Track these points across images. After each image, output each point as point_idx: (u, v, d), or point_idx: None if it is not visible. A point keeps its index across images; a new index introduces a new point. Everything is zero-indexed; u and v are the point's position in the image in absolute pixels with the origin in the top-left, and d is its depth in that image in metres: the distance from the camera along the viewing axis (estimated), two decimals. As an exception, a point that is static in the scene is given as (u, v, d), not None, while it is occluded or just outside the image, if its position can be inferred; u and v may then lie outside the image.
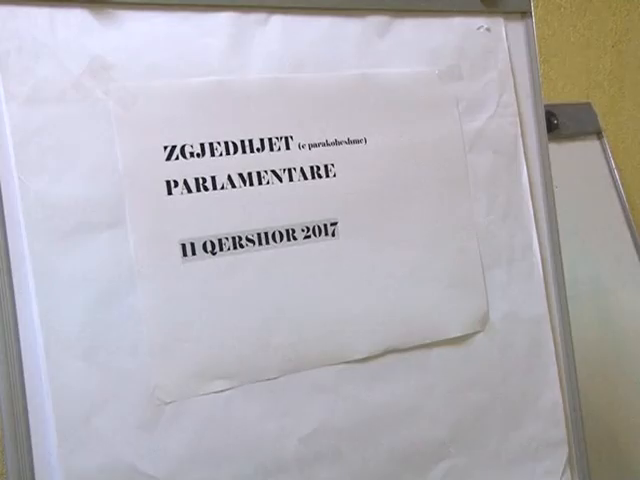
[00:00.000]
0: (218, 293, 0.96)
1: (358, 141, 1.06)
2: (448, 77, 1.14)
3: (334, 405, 1.03)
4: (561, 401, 1.20)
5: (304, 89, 1.03)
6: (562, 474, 1.20)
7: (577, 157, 1.82)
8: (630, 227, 1.85)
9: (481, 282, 1.15)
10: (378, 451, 1.06)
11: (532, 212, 1.20)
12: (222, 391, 0.96)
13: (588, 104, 1.83)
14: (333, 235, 1.04)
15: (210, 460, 0.95)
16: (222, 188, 0.97)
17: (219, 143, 0.97)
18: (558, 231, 1.22)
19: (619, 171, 1.85)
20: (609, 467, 1.66)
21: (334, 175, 1.04)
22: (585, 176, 1.83)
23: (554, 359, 1.20)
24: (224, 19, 1.00)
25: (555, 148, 1.68)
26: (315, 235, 1.03)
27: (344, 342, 1.04)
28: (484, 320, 1.15)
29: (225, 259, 0.97)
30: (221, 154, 0.97)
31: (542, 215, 1.21)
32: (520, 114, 1.20)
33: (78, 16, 0.93)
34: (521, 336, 1.18)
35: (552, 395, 1.20)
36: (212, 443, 0.95)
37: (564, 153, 1.76)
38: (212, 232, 0.96)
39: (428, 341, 1.10)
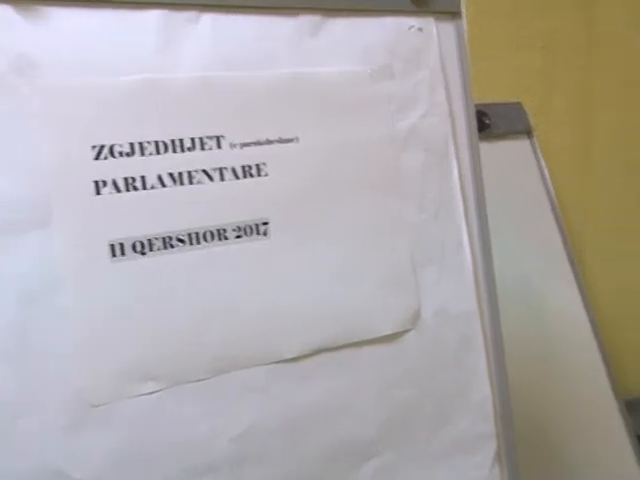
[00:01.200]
0: (148, 293, 0.95)
1: (290, 140, 1.06)
2: (380, 76, 1.14)
3: (264, 405, 1.03)
4: (490, 396, 1.21)
5: (235, 88, 1.03)
6: (490, 468, 1.21)
7: (508, 156, 1.84)
8: (559, 225, 1.88)
9: (412, 280, 1.15)
10: (308, 450, 1.06)
11: (463, 210, 1.21)
12: (152, 393, 0.95)
13: (519, 104, 1.86)
14: (265, 234, 1.04)
15: (139, 462, 0.94)
16: (152, 188, 0.96)
17: (149, 142, 0.96)
18: (489, 229, 1.23)
19: (549, 170, 1.88)
20: (538, 462, 1.69)
21: (266, 174, 1.04)
22: (516, 175, 1.86)
23: (484, 355, 1.21)
24: (154, 17, 0.99)
25: (486, 147, 1.70)
26: (246, 235, 1.02)
27: (275, 341, 1.04)
28: (415, 318, 1.15)
29: (155, 259, 0.96)
30: (151, 153, 0.96)
31: (473, 213, 1.22)
32: (451, 113, 1.21)
33: (1, 12, 0.91)
34: (451, 332, 1.19)
35: (481, 390, 1.21)
36: (141, 445, 0.95)
37: (495, 152, 1.78)
38: (142, 232, 0.95)
39: (359, 340, 1.10)
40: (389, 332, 1.13)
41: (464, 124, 1.22)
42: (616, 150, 2.18)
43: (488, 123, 1.73)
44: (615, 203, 2.19)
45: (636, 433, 1.88)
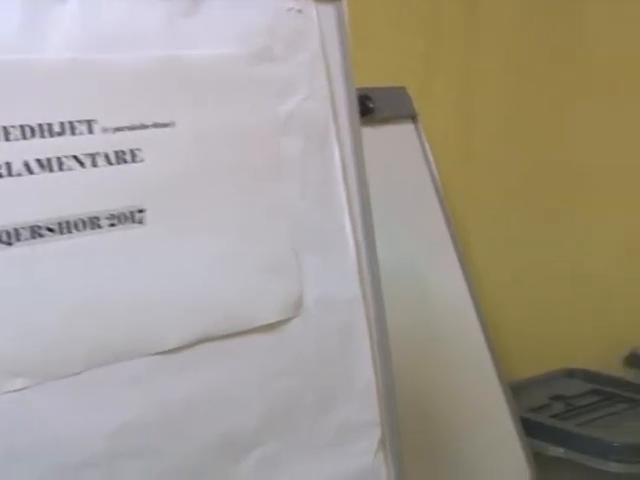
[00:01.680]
0: (13, 285, 0.91)
1: (166, 125, 1.03)
2: (259, 59, 1.12)
3: (144, 398, 1.00)
4: (374, 383, 1.21)
5: (106, 70, 0.99)
6: (375, 455, 1.20)
7: (392, 141, 1.84)
8: (444, 210, 1.89)
9: (294, 267, 1.14)
10: (189, 443, 1.03)
11: (345, 196, 1.19)
12: (20, 390, 0.91)
13: (403, 88, 1.85)
14: (140, 222, 1.00)
15: (7, 462, 0.90)
16: (18, 175, 0.92)
17: (14, 127, 0.92)
18: (371, 214, 1.23)
19: (433, 155, 1.88)
20: (423, 446, 1.70)
21: (141, 160, 1.00)
22: (400, 160, 1.86)
23: (367, 342, 1.20)
24: (18, -5, 0.94)
25: (370, 132, 1.70)
26: (121, 223, 0.99)
27: (153, 332, 1.01)
28: (297, 305, 1.14)
29: (22, 250, 0.91)
30: (17, 138, 0.92)
31: (355, 198, 1.21)
32: (332, 97, 1.19)
33: None
34: (335, 320, 1.17)
35: (365, 377, 1.20)
36: (9, 443, 0.90)
37: (380, 137, 1.77)
38: (7, 221, 0.91)
39: (241, 329, 1.08)
40: (271, 320, 1.11)
41: (345, 108, 1.20)
42: (498, 133, 2.20)
43: (372, 107, 1.72)
44: (498, 187, 2.21)
45: (520, 416, 1.91)
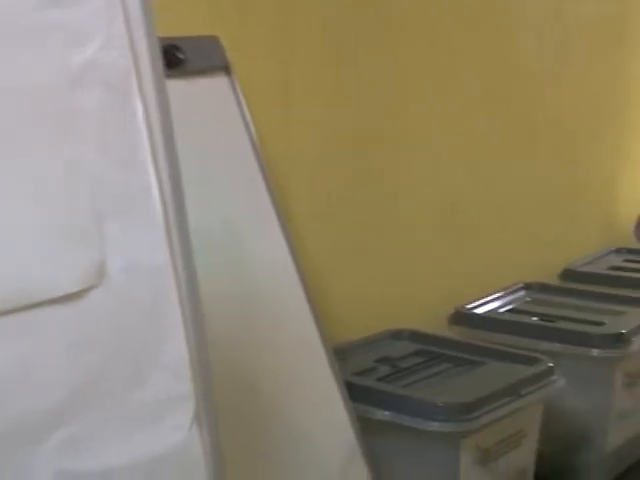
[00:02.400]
0: None
1: None
2: (47, 3, 1.01)
3: None
4: (187, 355, 1.13)
5: None
6: (189, 430, 1.14)
7: (205, 94, 1.75)
8: (262, 168, 1.82)
9: (94, 232, 1.05)
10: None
11: (150, 154, 1.11)
12: None
13: (215, 37, 1.76)
14: None
15: None
16: None
17: None
18: (180, 173, 1.14)
19: (250, 109, 1.80)
20: (241, 419, 1.65)
21: None
22: (214, 114, 1.78)
23: (178, 311, 1.13)
24: None
25: (181, 85, 1.61)
26: None
27: None
28: (100, 273, 1.05)
29: None
30: None
31: (161, 156, 1.12)
32: (133, 46, 1.09)
33: None
34: (142, 288, 1.10)
35: (176, 349, 1.12)
36: None
37: (191, 90, 1.69)
38: None
39: (36, 301, 1.00)
40: (70, 291, 1.03)
41: (148, 58, 1.11)
42: (319, 87, 2.14)
43: (182, 58, 1.63)
44: (320, 141, 2.15)
45: (344, 380, 1.88)
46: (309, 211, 2.12)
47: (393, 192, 2.38)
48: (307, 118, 2.10)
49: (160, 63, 1.12)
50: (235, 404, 1.60)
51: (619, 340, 2.30)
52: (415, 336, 2.27)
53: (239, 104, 1.80)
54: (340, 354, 1.98)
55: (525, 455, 2.06)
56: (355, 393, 1.88)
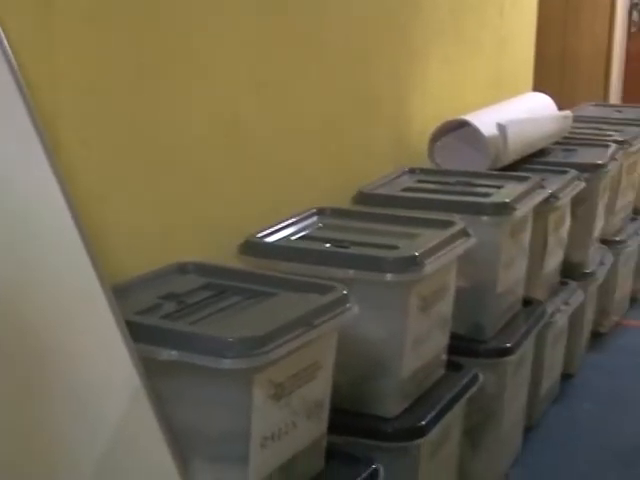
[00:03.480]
0: None
1: None
2: None
3: None
4: None
5: None
6: None
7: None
8: (23, 96, 1.63)
9: None
10: None
11: None
12: None
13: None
14: None
15: None
16: None
17: None
18: None
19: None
20: (10, 369, 1.49)
21: None
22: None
23: None
24: None
25: None
26: None
27: None
28: None
29: None
30: None
31: None
32: None
33: None
34: None
35: None
36: None
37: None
38: None
39: None
40: None
41: None
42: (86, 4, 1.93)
43: None
44: (86, 60, 1.93)
45: (126, 319, 1.73)
46: (80, 133, 1.92)
47: (171, 113, 2.20)
48: (74, 36, 1.88)
49: None
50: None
51: (412, 263, 2.24)
52: (202, 269, 2.14)
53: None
54: (120, 292, 1.83)
55: (321, 387, 1.99)
56: (138, 333, 1.73)
